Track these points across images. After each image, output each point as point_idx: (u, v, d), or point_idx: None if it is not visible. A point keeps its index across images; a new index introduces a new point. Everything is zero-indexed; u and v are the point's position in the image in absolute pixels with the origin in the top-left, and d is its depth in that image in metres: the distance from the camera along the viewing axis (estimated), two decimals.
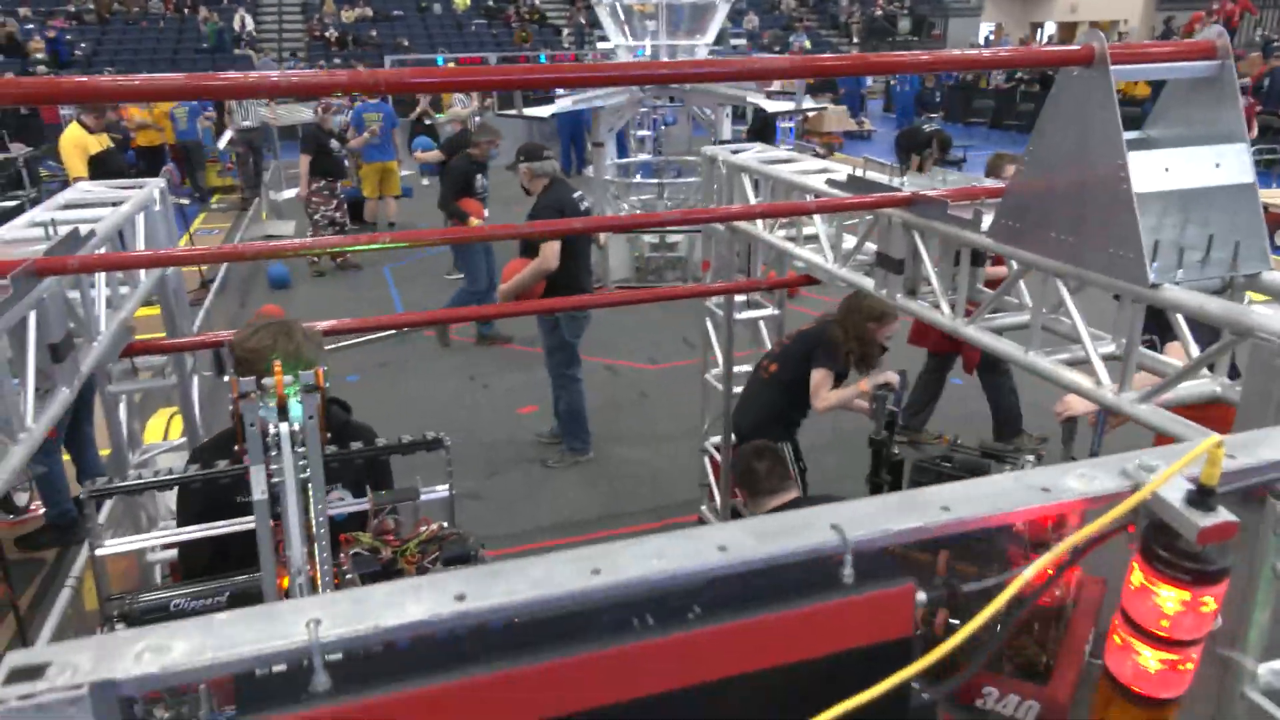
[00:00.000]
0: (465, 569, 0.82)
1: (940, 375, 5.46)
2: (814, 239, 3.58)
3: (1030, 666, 3.69)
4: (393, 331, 7.88)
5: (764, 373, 4.34)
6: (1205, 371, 2.16)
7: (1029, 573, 0.80)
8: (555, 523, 5.04)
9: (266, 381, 1.76)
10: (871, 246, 3.19)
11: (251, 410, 1.67)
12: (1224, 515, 0.84)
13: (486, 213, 7.87)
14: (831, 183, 3.31)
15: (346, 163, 10.44)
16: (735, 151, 4.28)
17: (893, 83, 22.08)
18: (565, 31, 26.44)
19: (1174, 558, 0.87)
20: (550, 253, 5.19)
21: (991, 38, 31.42)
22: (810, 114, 17.75)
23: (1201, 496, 0.85)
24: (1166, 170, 2.08)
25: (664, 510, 5.11)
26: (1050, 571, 0.83)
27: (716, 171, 4.25)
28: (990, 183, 3.24)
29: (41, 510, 4.84)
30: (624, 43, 9.40)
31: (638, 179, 10.59)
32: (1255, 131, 11.23)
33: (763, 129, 9.49)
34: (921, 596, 0.86)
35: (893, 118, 21.00)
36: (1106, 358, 2.33)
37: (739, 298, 4.57)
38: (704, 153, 4.38)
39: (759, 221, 3.95)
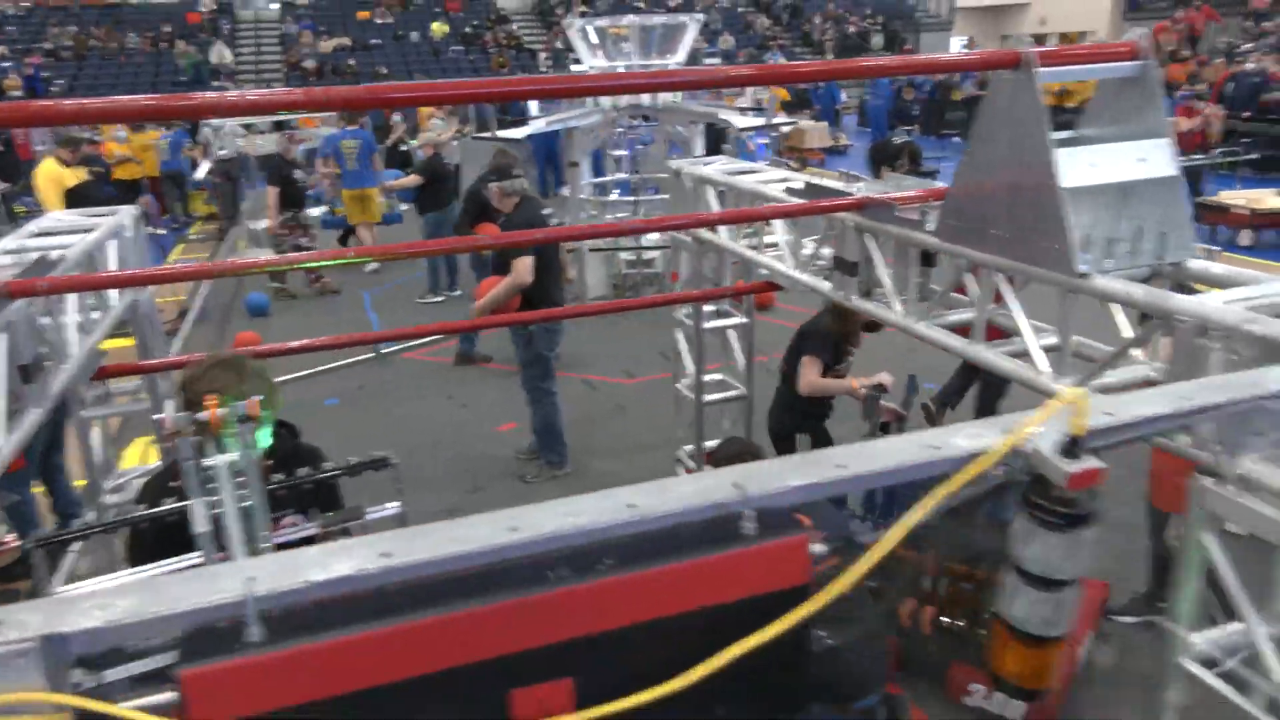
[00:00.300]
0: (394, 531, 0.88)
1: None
2: (776, 246, 3.68)
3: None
4: (372, 355, 7.92)
5: (780, 371, 4.74)
6: (1140, 357, 2.25)
7: (900, 527, 0.87)
8: None
9: (200, 416, 1.76)
10: (829, 251, 3.29)
11: (186, 447, 1.71)
12: (1092, 462, 0.91)
13: None
14: (789, 190, 3.41)
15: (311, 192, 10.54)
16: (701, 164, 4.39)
17: (867, 98, 22.41)
18: (542, 56, 26.70)
19: (1049, 504, 0.95)
20: (524, 267, 5.27)
21: (963, 49, 31.92)
22: (789, 130, 18.04)
23: (1071, 446, 0.93)
24: (1093, 166, 2.18)
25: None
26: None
27: (683, 184, 4.36)
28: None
29: (16, 541, 4.85)
30: (597, 64, 9.55)
31: (615, 197, 10.71)
32: (1219, 135, 11.47)
33: (712, 150, 9.61)
34: (818, 548, 0.93)
35: (868, 132, 21.28)
36: (1048, 348, 2.42)
37: (708, 307, 4.66)
38: (670, 165, 4.48)
39: (724, 232, 4.05)
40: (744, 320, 4.68)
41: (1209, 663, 1.98)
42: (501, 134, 9.84)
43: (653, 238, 8.88)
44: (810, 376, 4.46)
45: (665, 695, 0.86)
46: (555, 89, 3.99)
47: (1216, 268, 2.16)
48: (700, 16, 9.30)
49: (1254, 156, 11.33)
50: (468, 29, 28.09)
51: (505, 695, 0.86)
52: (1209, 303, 1.90)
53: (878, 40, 29.91)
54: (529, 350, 5.53)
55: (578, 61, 10.44)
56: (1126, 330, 2.28)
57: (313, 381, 7.51)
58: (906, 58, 3.62)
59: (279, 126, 16.95)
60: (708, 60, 19.58)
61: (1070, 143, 2.22)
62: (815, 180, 3.50)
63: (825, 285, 3.26)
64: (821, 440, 4.68)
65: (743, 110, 10.09)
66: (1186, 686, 1.98)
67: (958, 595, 3.94)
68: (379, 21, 27.77)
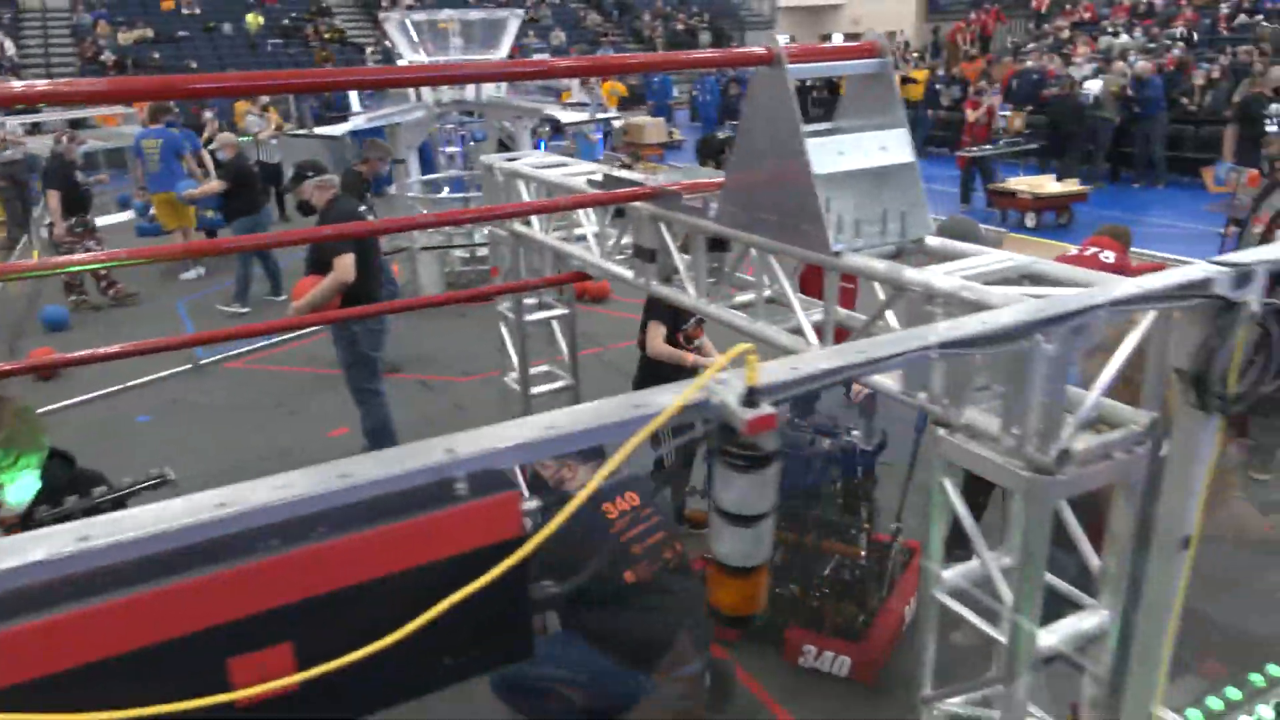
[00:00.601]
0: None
1: None
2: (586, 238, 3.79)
3: (849, 625, 3.98)
4: (188, 365, 7.49)
5: (638, 342, 4.88)
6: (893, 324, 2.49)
7: (597, 478, 0.98)
8: None
9: None
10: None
11: None
12: (766, 410, 1.05)
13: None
14: (590, 182, 3.53)
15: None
16: (510, 159, 4.44)
17: (695, 93, 23.09)
18: (369, 50, 25.83)
19: (735, 449, 1.08)
20: (346, 265, 5.15)
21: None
22: (628, 126, 18.30)
23: (750, 396, 1.06)
24: (841, 154, 2.41)
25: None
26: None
27: (495, 179, 4.39)
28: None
29: None
30: (419, 59, 9.38)
31: (447, 194, 10.56)
32: (1022, 127, 12.60)
33: (504, 148, 9.63)
34: (531, 504, 1.02)
35: (699, 127, 21.93)
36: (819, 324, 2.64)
37: (530, 300, 4.73)
38: (481, 161, 4.51)
39: (536, 224, 4.12)
40: (564, 311, 4.77)
41: (960, 593, 2.24)
42: (318, 130, 9.50)
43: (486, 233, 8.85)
44: (654, 341, 4.66)
45: (387, 651, 0.93)
46: (373, 80, 3.94)
47: (950, 244, 2.43)
48: (521, 12, 9.31)
49: (1034, 146, 12.55)
50: (286, 21, 26.77)
51: (224, 664, 0.90)
52: (933, 274, 2.15)
53: (705, 37, 30.85)
54: (353, 351, 5.41)
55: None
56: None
57: (121, 398, 7.02)
58: (672, 54, 3.81)
59: (76, 125, 15.59)
60: (536, 55, 19.59)
61: (821, 134, 2.43)
62: (613, 172, 3.64)
63: (628, 273, 3.40)
64: None
65: (576, 106, 10.19)
66: (939, 614, 2.24)
67: (790, 563, 4.20)
68: (186, 12, 25.99)
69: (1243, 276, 1.57)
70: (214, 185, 9.36)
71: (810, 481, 4.30)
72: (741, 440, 1.08)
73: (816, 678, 3.92)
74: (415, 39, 9.33)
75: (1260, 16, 18.56)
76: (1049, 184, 11.50)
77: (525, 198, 4.17)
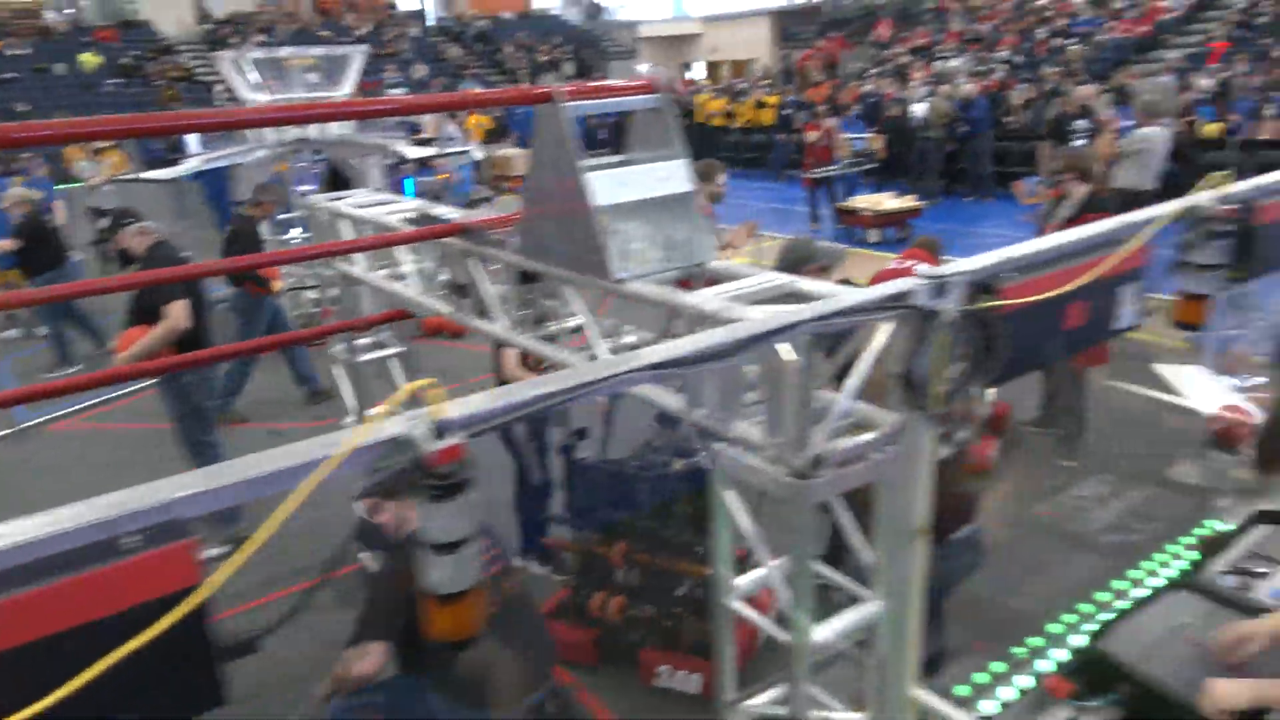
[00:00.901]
0: None
1: None
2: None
3: (702, 643, 3.99)
4: (8, 430, 6.98)
5: None
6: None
7: (273, 520, 1.00)
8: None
9: None
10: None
11: None
12: (454, 440, 1.10)
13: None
14: (406, 219, 3.54)
15: None
16: (335, 199, 4.39)
17: None
18: (218, 88, 24.84)
19: (430, 479, 1.13)
20: (179, 312, 4.95)
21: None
22: (495, 158, 18.20)
23: (439, 429, 1.11)
24: (622, 185, 2.51)
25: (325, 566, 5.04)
26: None
27: (320, 219, 4.33)
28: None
29: None
30: (258, 99, 9.12)
31: (299, 234, 10.26)
32: (844, 151, 13.27)
33: (335, 180, 9.40)
34: (213, 552, 1.03)
35: None
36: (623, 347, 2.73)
37: (364, 340, 4.67)
38: (304, 202, 4.44)
39: (361, 263, 4.08)
40: (400, 349, 4.73)
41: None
42: (145, 175, 9.10)
43: None
44: (507, 366, 4.63)
45: (61, 711, 0.92)
46: (186, 125, 3.80)
47: (731, 267, 2.57)
48: (365, 48, 9.21)
49: (874, 165, 13.30)
50: (126, 60, 25.47)
51: None
52: (704, 296, 2.27)
53: (569, 67, 31.19)
54: (184, 403, 5.19)
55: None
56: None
57: None
58: (459, 94, 3.89)
59: None
60: (390, 91, 19.34)
61: (605, 166, 2.53)
62: (430, 209, 3.67)
63: (447, 308, 3.41)
64: None
65: (417, 141, 10.14)
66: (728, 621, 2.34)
67: (645, 584, 4.26)
68: (10, 53, 24.37)
69: (940, 288, 1.74)
70: (4, 245, 8.78)
71: (663, 501, 4.40)
72: (435, 470, 1.12)
73: (668, 697, 3.99)
74: (252, 78, 9.08)
75: (1073, 40, 20.29)
76: (887, 201, 12.19)
77: (348, 237, 4.13)
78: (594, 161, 2.56)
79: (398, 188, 9.73)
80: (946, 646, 3.35)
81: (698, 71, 35.78)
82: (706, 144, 20.80)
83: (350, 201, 4.34)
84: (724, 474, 2.24)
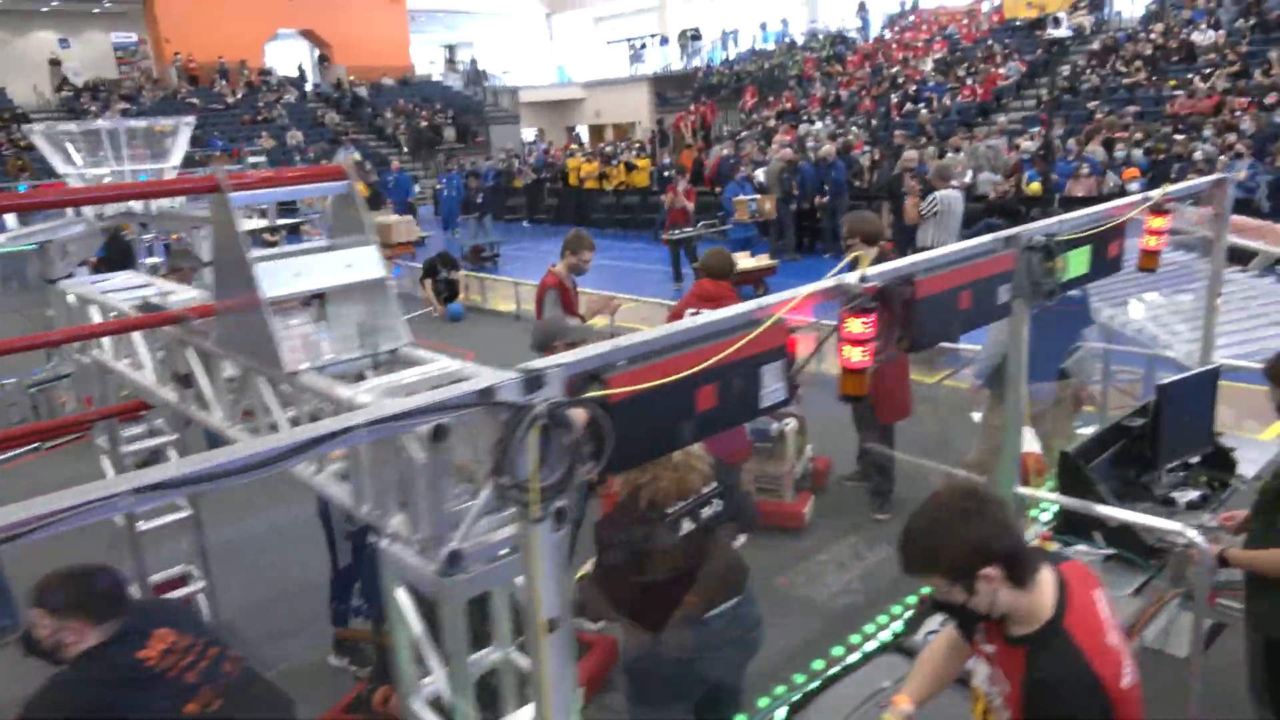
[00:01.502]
0: None
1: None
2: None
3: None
4: None
5: None
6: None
7: None
8: None
9: None
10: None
11: None
12: None
13: None
14: (135, 306, 3.39)
15: None
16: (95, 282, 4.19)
17: (439, 187, 23.22)
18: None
19: None
20: None
21: (535, 139, 34.67)
22: (377, 226, 17.84)
23: None
24: (298, 275, 2.46)
25: None
26: None
27: (69, 304, 4.12)
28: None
29: None
30: (75, 171, 8.73)
31: None
32: (693, 204, 13.61)
33: (119, 256, 8.96)
34: None
35: (441, 220, 22.04)
36: None
37: (136, 429, 4.43)
38: (52, 291, 4.22)
39: (108, 348, 3.89)
40: (174, 436, 4.50)
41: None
42: None
43: None
44: None
45: None
46: None
47: (419, 352, 2.54)
48: (191, 120, 8.94)
49: (727, 227, 13.70)
50: None
51: None
52: (368, 386, 2.23)
53: (450, 133, 31.29)
54: None
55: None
56: None
57: None
58: (122, 185, 3.83)
59: None
60: (251, 159, 18.91)
61: (276, 256, 2.47)
62: (165, 293, 3.54)
63: (174, 396, 3.26)
64: None
65: (263, 213, 9.83)
66: None
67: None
68: None
69: (532, 382, 1.73)
70: None
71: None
72: None
73: None
74: (72, 150, 8.70)
75: (922, 105, 21.58)
76: (743, 260, 12.50)
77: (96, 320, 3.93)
78: (268, 251, 2.51)
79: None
80: None
81: (581, 134, 36.43)
82: (581, 207, 21.12)
83: (107, 285, 4.15)
84: (393, 573, 2.16)
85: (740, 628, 3.23)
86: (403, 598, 2.22)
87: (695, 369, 1.96)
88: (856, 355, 2.38)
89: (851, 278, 2.36)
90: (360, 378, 2.51)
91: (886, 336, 2.55)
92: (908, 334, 2.50)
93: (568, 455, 1.75)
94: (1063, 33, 15.28)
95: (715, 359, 2.02)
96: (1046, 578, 1.95)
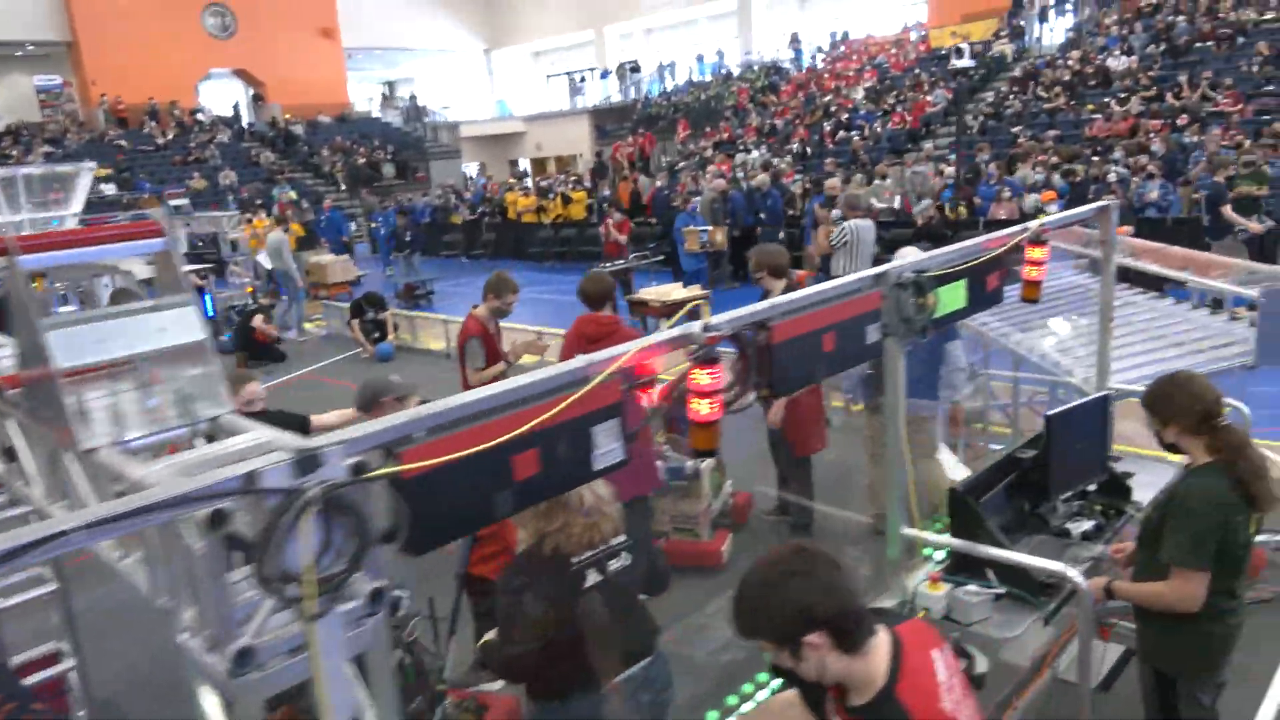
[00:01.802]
0: None
1: None
2: None
3: None
4: None
5: None
6: None
7: None
8: None
9: None
10: None
11: None
12: None
13: None
14: None
15: None
16: None
17: (374, 225, 22.92)
18: None
19: None
20: None
21: (478, 174, 34.56)
22: (312, 266, 17.48)
23: None
24: (101, 342, 2.26)
25: None
26: None
27: None
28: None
29: None
30: None
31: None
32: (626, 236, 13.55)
33: None
34: None
35: (377, 259, 21.73)
36: None
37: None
38: None
39: None
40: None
41: None
42: None
43: None
44: None
45: None
46: None
47: (237, 422, 2.35)
48: (92, 165, 8.67)
49: (660, 257, 13.66)
50: None
51: None
52: (166, 463, 2.04)
53: (389, 169, 30.99)
54: None
55: None
56: None
57: None
58: None
59: None
60: (173, 202, 18.43)
61: (75, 322, 2.27)
62: None
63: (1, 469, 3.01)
64: None
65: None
66: None
67: None
68: None
69: (307, 462, 1.57)
70: None
71: None
72: None
73: None
74: None
75: (854, 133, 21.94)
76: (675, 292, 12.46)
77: None
78: (66, 317, 2.31)
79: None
80: None
81: (524, 168, 36.40)
82: (519, 240, 20.99)
83: None
84: (190, 669, 1.96)
85: (652, 689, 3.05)
86: (210, 701, 2.01)
87: (505, 436, 1.82)
88: (705, 408, 2.25)
89: (695, 326, 2.24)
90: (191, 446, 2.33)
91: (744, 383, 2.44)
92: (763, 380, 2.39)
93: (354, 540, 1.59)
94: (965, 63, 15.72)
95: (533, 423, 1.88)
96: (881, 642, 1.83)
